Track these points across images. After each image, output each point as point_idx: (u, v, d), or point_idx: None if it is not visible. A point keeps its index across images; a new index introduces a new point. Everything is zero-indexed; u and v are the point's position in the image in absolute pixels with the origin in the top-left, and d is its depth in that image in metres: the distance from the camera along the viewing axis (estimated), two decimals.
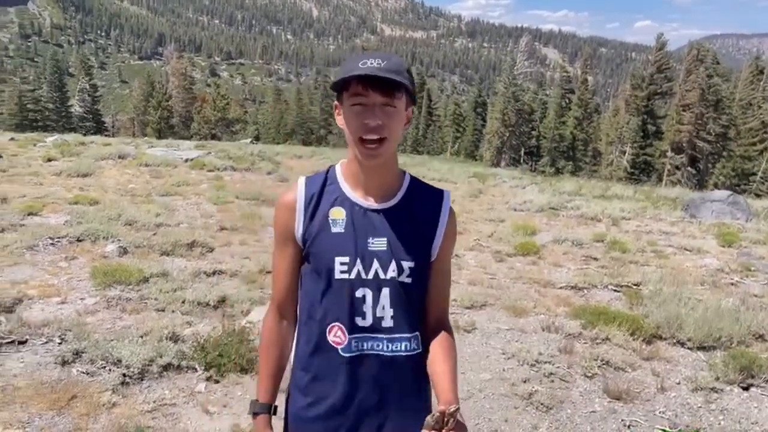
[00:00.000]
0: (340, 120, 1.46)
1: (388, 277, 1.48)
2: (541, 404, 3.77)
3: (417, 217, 1.51)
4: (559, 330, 4.99)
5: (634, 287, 6.39)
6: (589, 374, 4.22)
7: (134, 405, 3.39)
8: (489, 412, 3.68)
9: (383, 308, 1.49)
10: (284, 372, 1.62)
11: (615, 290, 6.36)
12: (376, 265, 1.47)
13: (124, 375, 3.63)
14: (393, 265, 1.48)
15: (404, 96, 1.41)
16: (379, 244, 1.48)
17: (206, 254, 6.66)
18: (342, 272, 1.47)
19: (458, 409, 1.32)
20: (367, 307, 1.48)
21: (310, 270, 1.53)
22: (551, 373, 4.20)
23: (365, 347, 1.49)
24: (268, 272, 6.08)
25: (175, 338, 4.17)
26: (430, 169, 19.15)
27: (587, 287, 6.41)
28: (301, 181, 1.55)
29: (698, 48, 40.97)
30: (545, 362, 4.34)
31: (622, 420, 3.66)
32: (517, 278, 6.74)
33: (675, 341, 4.85)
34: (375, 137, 1.38)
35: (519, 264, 7.43)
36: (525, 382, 4.08)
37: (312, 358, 1.53)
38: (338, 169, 1.56)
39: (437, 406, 1.33)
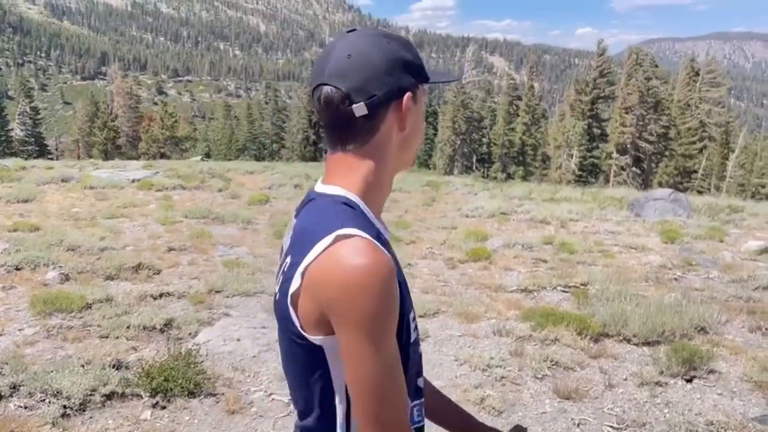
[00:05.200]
0: (413, 117, 1.08)
1: None
2: (493, 408, 3.80)
3: None
4: (510, 333, 5.05)
5: (582, 287, 6.53)
6: (539, 375, 4.28)
7: None
8: None
9: None
10: None
11: (564, 291, 6.48)
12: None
13: (64, 407, 3.49)
14: None
15: None
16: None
17: (153, 276, 6.49)
18: (414, 330, 1.10)
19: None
20: (422, 362, 1.17)
21: None
22: (503, 377, 4.24)
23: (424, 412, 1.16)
24: (218, 292, 5.96)
25: (118, 365, 4.05)
26: None
27: (537, 289, 6.51)
28: (364, 234, 0.98)
29: (637, 52, 42.47)
30: (497, 366, 4.38)
31: (572, 419, 3.72)
32: (469, 284, 6.81)
33: (621, 338, 4.96)
34: None
35: (471, 270, 7.50)
36: (477, 387, 4.10)
37: None
38: (360, 203, 1.07)
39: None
